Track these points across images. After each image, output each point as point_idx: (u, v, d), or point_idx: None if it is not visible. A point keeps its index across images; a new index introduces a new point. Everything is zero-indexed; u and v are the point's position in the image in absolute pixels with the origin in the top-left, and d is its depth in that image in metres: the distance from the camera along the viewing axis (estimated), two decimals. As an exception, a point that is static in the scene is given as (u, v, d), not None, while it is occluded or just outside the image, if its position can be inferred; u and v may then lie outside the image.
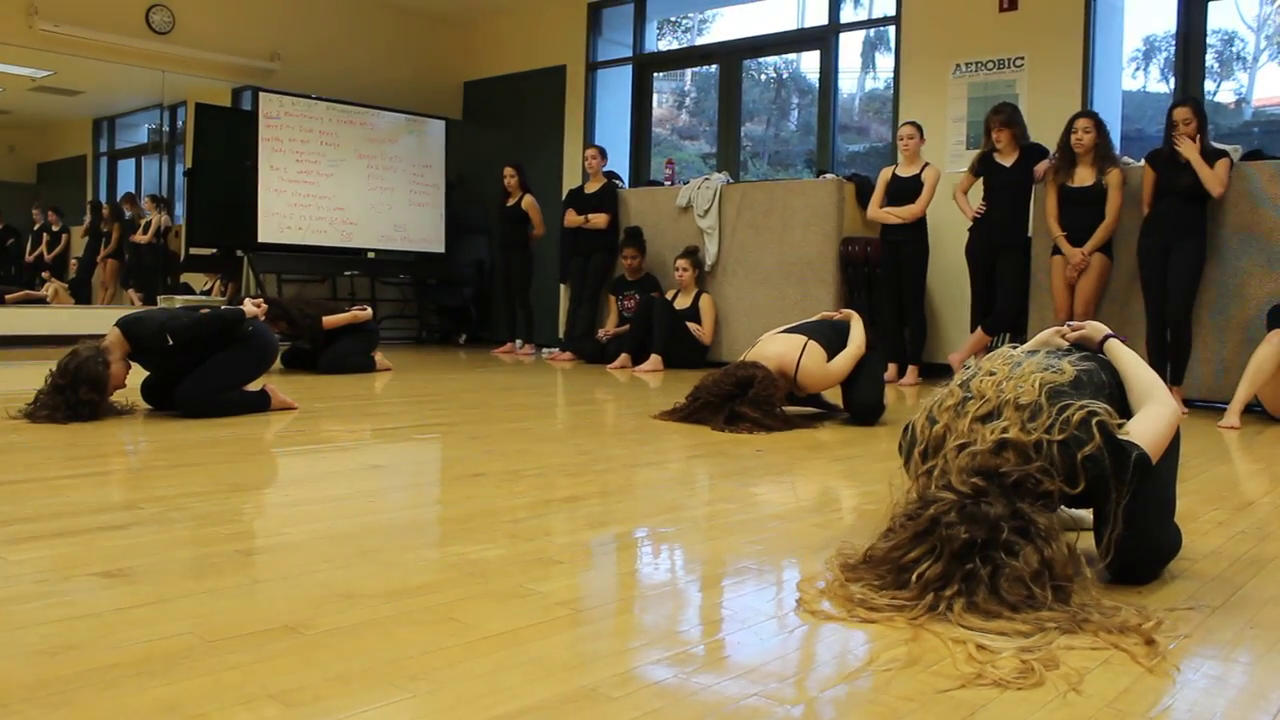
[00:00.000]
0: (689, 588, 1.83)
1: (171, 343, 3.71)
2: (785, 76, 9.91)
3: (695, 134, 10.25)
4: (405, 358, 7.10)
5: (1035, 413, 1.71)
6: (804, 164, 8.66)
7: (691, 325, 6.84)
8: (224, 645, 1.40)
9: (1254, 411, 4.66)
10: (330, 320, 5.75)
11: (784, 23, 8.68)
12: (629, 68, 8.72)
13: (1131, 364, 2.02)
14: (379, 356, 6.02)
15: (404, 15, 9.34)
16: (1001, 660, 1.40)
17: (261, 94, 7.94)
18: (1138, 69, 7.43)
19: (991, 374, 1.84)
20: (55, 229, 8.32)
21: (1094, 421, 1.69)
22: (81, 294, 8.34)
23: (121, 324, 3.75)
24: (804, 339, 4.04)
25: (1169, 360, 4.97)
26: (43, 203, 8.35)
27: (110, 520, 2.15)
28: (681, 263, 6.95)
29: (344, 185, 8.30)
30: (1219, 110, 6.79)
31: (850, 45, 8.04)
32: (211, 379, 3.81)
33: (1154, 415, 1.85)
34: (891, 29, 7.04)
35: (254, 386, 4.02)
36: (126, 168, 8.92)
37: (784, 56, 9.29)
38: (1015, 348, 2.02)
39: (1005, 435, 1.70)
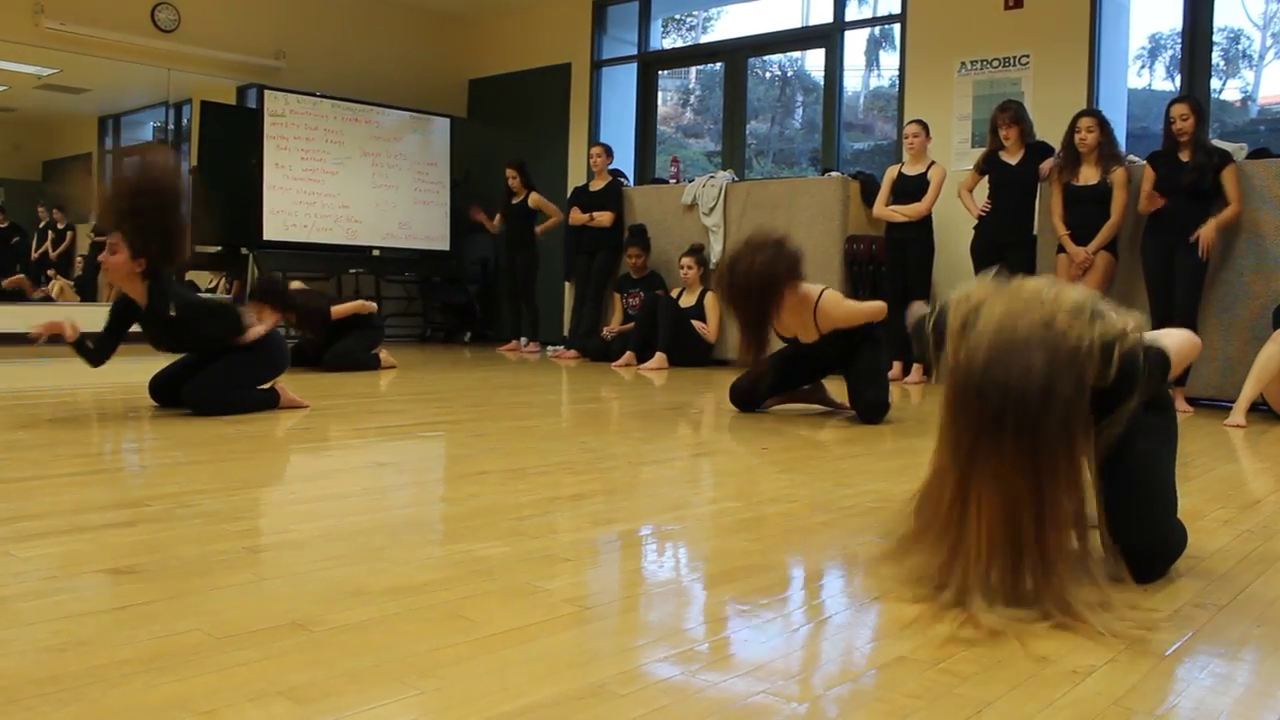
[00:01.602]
0: (694, 585, 1.84)
1: (174, 314, 3.68)
2: (790, 74, 9.91)
3: (700, 132, 10.25)
4: (410, 355, 7.11)
5: (1078, 312, 1.67)
6: (809, 162, 8.66)
7: (696, 323, 6.85)
8: (232, 642, 1.40)
9: (1259, 410, 4.65)
10: (338, 310, 5.74)
11: (789, 20, 8.68)
12: (634, 65, 8.72)
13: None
14: (384, 354, 6.02)
15: (409, 13, 9.34)
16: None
17: (267, 92, 7.95)
18: (1143, 67, 7.43)
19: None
20: (60, 226, 8.33)
21: (1130, 327, 1.75)
22: (87, 291, 8.36)
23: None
24: (822, 286, 4.16)
25: (1174, 359, 4.96)
26: (48, 200, 8.37)
27: (118, 517, 2.16)
28: (686, 261, 6.95)
29: (349, 183, 8.31)
30: (1225, 108, 6.78)
31: (855, 43, 8.05)
32: (220, 377, 3.81)
33: (1178, 335, 2.06)
34: (896, 27, 7.03)
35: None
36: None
37: (789, 54, 9.29)
38: None
39: (1050, 318, 1.64)
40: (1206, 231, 4.84)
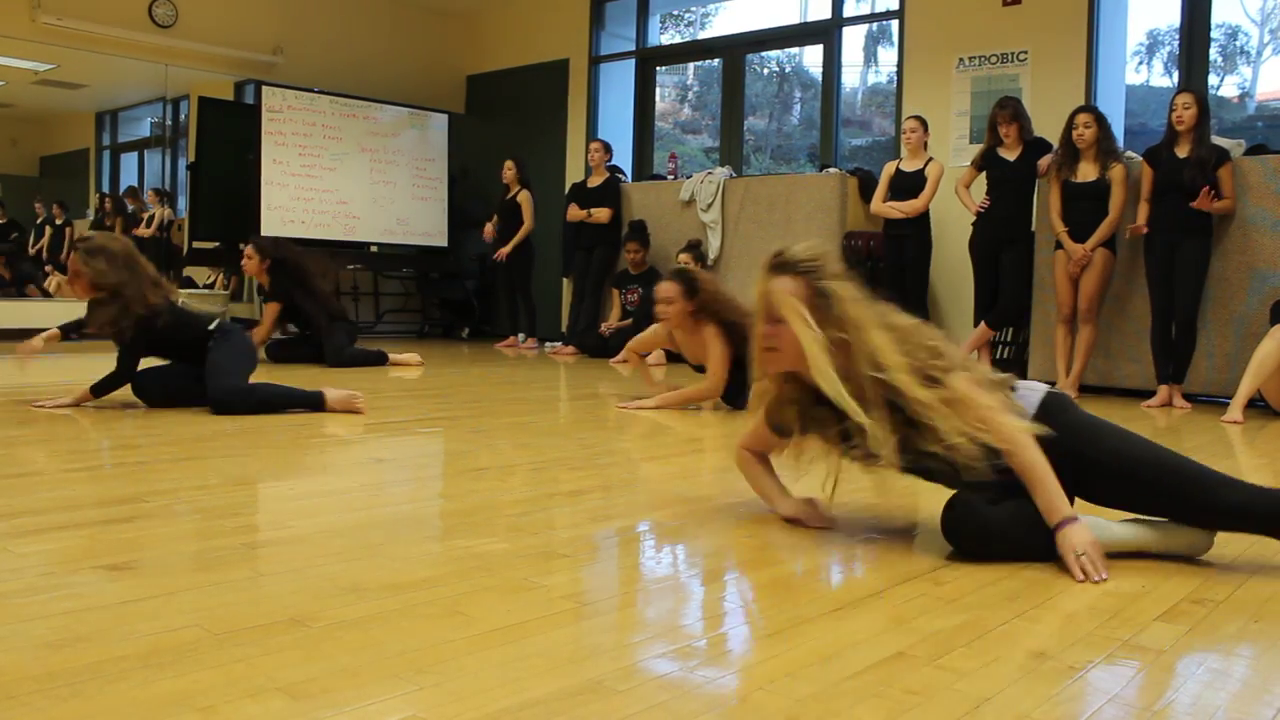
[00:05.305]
0: (692, 581, 1.84)
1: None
2: (788, 70, 9.90)
3: (698, 128, 10.24)
4: (408, 352, 7.10)
5: None
6: (807, 158, 8.66)
7: (694, 319, 6.84)
8: (230, 638, 1.40)
9: (1257, 406, 4.66)
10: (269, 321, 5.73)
11: (787, 17, 8.68)
12: (632, 62, 8.71)
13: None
14: (407, 355, 6.06)
15: (407, 9, 9.33)
16: None
17: (264, 87, 7.94)
18: (1141, 63, 7.42)
19: None
20: (58, 222, 8.32)
21: None
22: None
23: None
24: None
25: (1173, 357, 4.97)
26: (45, 196, 8.36)
27: (116, 513, 2.15)
28: (684, 257, 6.94)
29: (347, 179, 8.30)
30: (1222, 105, 6.78)
31: (853, 39, 8.03)
32: (225, 371, 3.75)
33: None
34: (895, 23, 7.02)
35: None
36: (129, 161, 8.93)
37: (787, 50, 9.28)
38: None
39: None
40: (1202, 201, 4.81)
